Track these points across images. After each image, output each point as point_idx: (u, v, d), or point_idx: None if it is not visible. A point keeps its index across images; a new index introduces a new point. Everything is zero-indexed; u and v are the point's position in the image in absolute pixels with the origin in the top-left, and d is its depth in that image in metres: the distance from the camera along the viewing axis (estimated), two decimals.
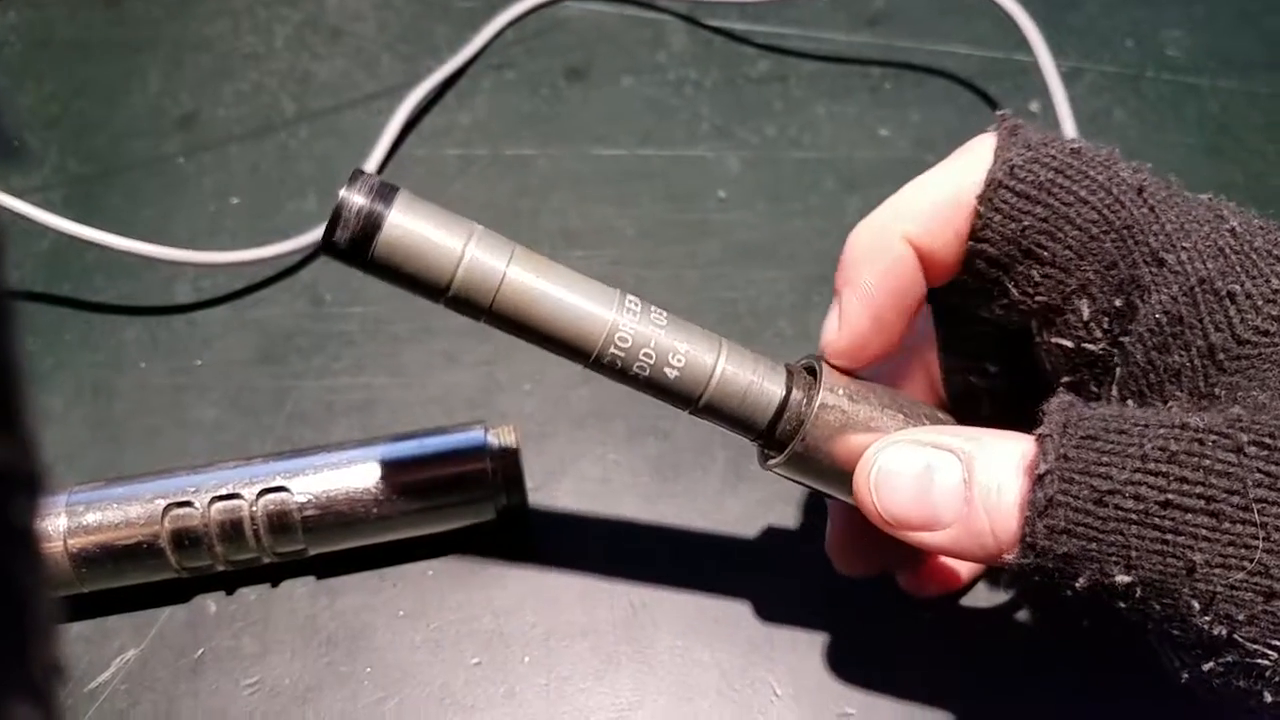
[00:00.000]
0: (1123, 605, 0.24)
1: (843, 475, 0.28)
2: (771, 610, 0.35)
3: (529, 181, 0.46)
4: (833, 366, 0.28)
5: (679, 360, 0.27)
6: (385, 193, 0.25)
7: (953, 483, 0.26)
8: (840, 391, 0.27)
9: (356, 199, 0.25)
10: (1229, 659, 0.23)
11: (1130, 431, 0.24)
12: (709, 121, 0.48)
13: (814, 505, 0.37)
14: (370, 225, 0.25)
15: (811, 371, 0.28)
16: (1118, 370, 0.27)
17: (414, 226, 0.25)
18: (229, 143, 0.47)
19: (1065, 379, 0.28)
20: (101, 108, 0.48)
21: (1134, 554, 0.23)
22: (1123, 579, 0.23)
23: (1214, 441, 0.23)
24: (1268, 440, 0.23)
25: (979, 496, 0.25)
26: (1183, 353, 0.25)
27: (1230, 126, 0.48)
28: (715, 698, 0.33)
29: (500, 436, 0.35)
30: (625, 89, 0.49)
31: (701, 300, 0.42)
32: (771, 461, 0.28)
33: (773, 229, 0.45)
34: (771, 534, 0.37)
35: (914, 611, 0.35)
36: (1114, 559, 0.23)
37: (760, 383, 0.27)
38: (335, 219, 0.25)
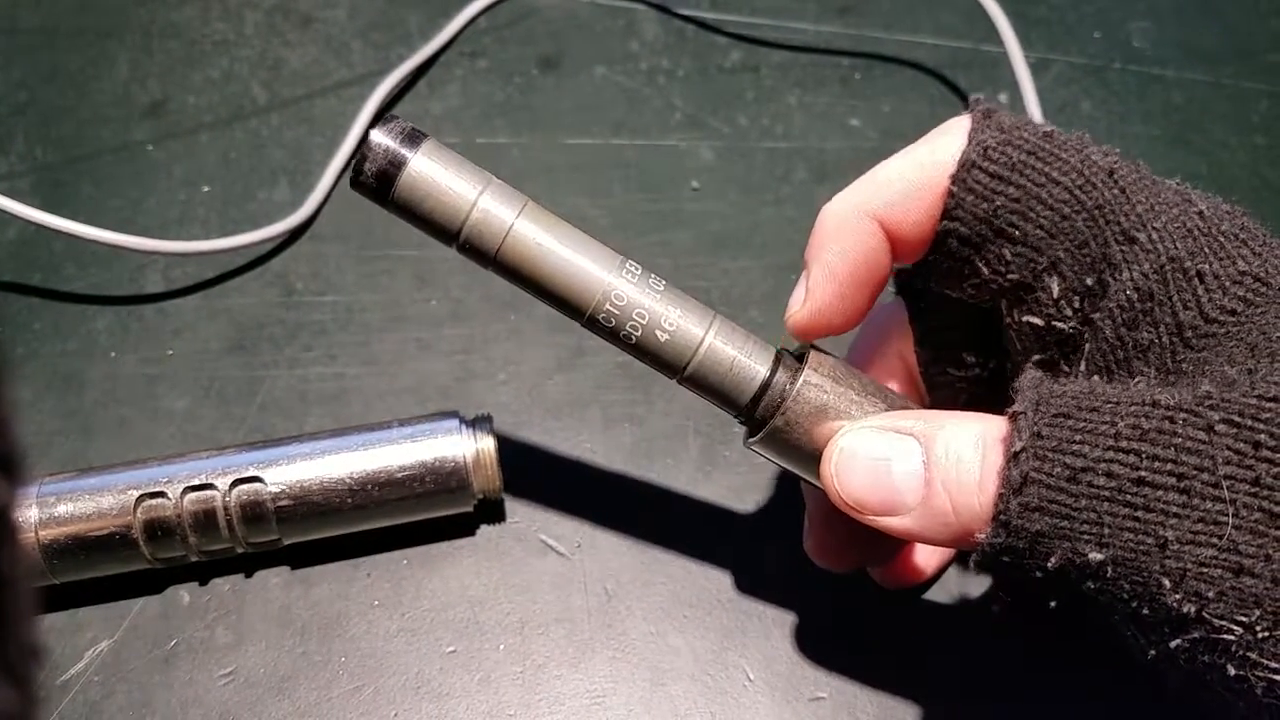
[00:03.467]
0: (1092, 585, 0.24)
1: (816, 459, 0.28)
2: (744, 596, 0.35)
3: (502, 170, 0.45)
4: (821, 352, 0.29)
5: (670, 326, 0.28)
6: (413, 137, 0.27)
7: (912, 465, 0.26)
8: (824, 374, 0.28)
9: (385, 140, 0.26)
10: (1195, 635, 0.24)
11: (1102, 409, 0.24)
12: (681, 111, 0.48)
13: (786, 492, 0.38)
14: (394, 165, 0.26)
15: (801, 357, 0.29)
16: (1087, 346, 0.27)
17: (434, 172, 0.27)
18: (199, 130, 0.47)
19: (1035, 357, 0.28)
20: (69, 95, 0.48)
21: (1107, 531, 0.24)
22: (1095, 556, 0.24)
23: (1184, 419, 0.24)
24: (1236, 419, 0.23)
25: (938, 477, 0.26)
26: (1151, 329, 0.26)
27: (1194, 117, 0.48)
28: (689, 683, 0.34)
29: (475, 426, 0.35)
30: (598, 78, 0.49)
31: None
32: (751, 439, 0.29)
33: (745, 218, 0.45)
34: (744, 521, 0.37)
35: (885, 596, 0.35)
36: (1087, 536, 0.24)
37: (747, 359, 0.28)
38: (364, 156, 0.26)
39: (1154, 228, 0.26)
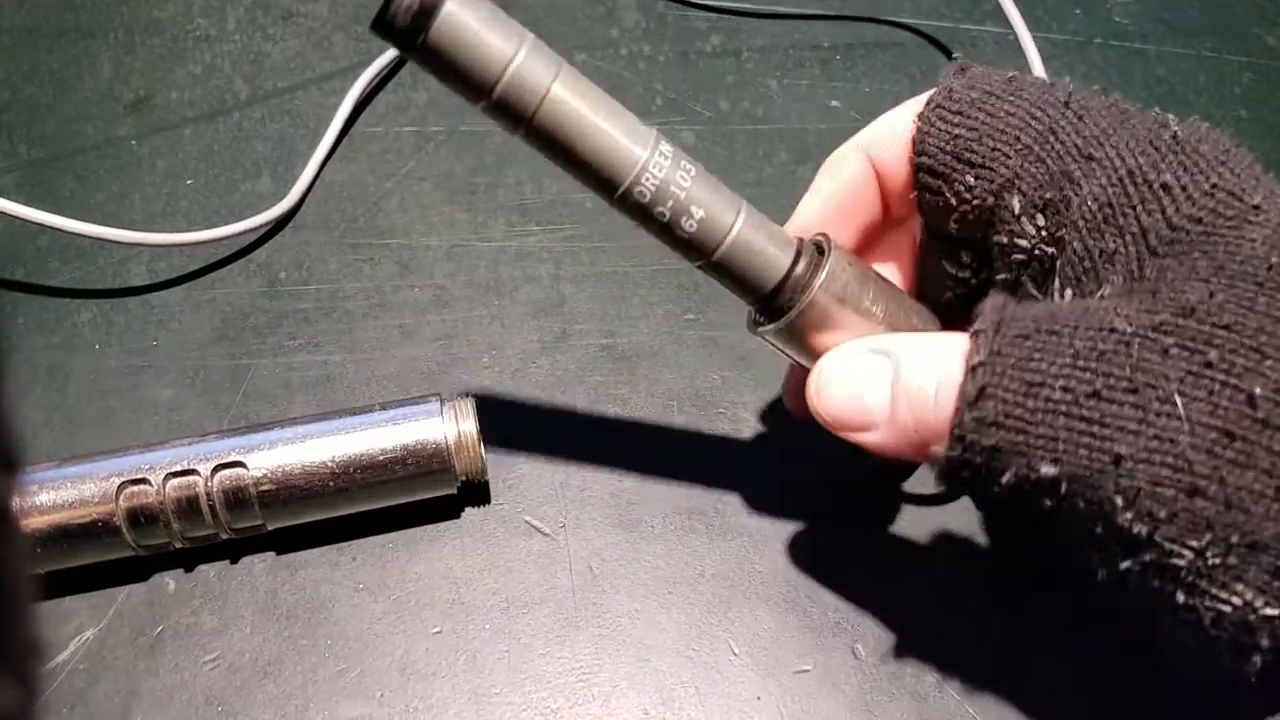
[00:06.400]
0: (1048, 504, 0.24)
1: (814, 355, 0.29)
2: (728, 572, 0.35)
3: (485, 157, 0.46)
4: (840, 249, 0.29)
5: (701, 210, 0.27)
6: None
7: (882, 385, 0.27)
8: (842, 272, 0.29)
9: None
10: (1147, 558, 0.24)
11: (1061, 332, 0.25)
12: (663, 96, 0.48)
13: (769, 470, 0.38)
14: (429, 6, 0.24)
15: (821, 249, 0.29)
16: (1058, 262, 0.28)
17: (471, 18, 0.25)
18: (182, 125, 0.47)
19: (1001, 277, 0.29)
20: (52, 92, 0.48)
21: (1061, 446, 0.24)
22: (1049, 471, 0.24)
23: (1140, 343, 0.24)
24: (1189, 344, 0.24)
25: (903, 395, 0.26)
26: (1116, 237, 0.26)
27: (1176, 90, 0.48)
28: (674, 658, 0.34)
29: (456, 408, 0.35)
30: (579, 65, 0.49)
31: (658, 271, 0.43)
32: (763, 327, 0.29)
33: None
34: (728, 498, 0.37)
35: (868, 572, 0.35)
36: (1041, 451, 0.24)
37: (774, 249, 0.28)
38: None
39: (1111, 145, 0.27)
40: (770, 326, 0.29)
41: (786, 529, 0.36)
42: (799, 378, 0.34)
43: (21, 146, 0.46)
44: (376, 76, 0.48)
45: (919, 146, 0.30)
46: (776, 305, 0.29)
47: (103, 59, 0.49)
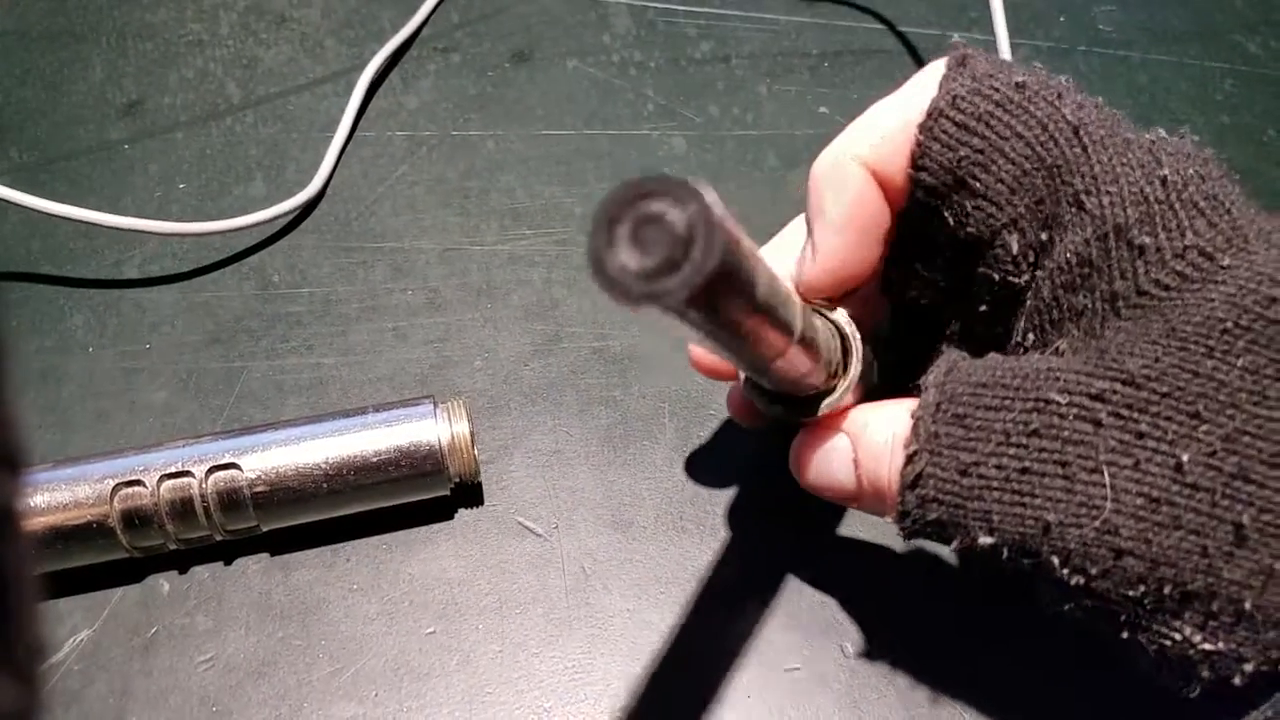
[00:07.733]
0: (998, 561, 0.26)
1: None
2: (718, 571, 0.36)
3: (476, 163, 0.47)
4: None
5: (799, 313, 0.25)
6: None
7: (846, 462, 0.28)
8: (866, 359, 0.29)
9: None
10: (1087, 603, 0.25)
11: (999, 407, 0.25)
12: (653, 102, 0.48)
13: (758, 472, 0.38)
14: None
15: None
16: (1027, 303, 0.28)
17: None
18: (175, 129, 0.47)
19: (983, 307, 0.29)
20: (45, 96, 0.48)
21: (995, 518, 0.25)
22: (986, 540, 0.25)
23: (1075, 414, 0.25)
24: (1124, 413, 0.24)
25: (864, 474, 0.28)
26: (1087, 295, 0.26)
27: (1160, 98, 0.49)
28: (665, 657, 0.34)
29: (449, 410, 0.36)
30: (570, 71, 0.50)
31: None
32: (797, 415, 0.29)
33: None
34: (718, 499, 0.38)
35: (858, 575, 0.36)
36: (978, 523, 0.25)
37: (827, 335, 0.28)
38: None
39: (1106, 192, 0.26)
40: (809, 417, 0.29)
41: (776, 529, 0.36)
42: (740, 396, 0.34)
43: (14, 150, 0.46)
44: (370, 81, 0.48)
45: (918, 161, 0.27)
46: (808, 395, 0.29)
47: (95, 63, 0.49)
